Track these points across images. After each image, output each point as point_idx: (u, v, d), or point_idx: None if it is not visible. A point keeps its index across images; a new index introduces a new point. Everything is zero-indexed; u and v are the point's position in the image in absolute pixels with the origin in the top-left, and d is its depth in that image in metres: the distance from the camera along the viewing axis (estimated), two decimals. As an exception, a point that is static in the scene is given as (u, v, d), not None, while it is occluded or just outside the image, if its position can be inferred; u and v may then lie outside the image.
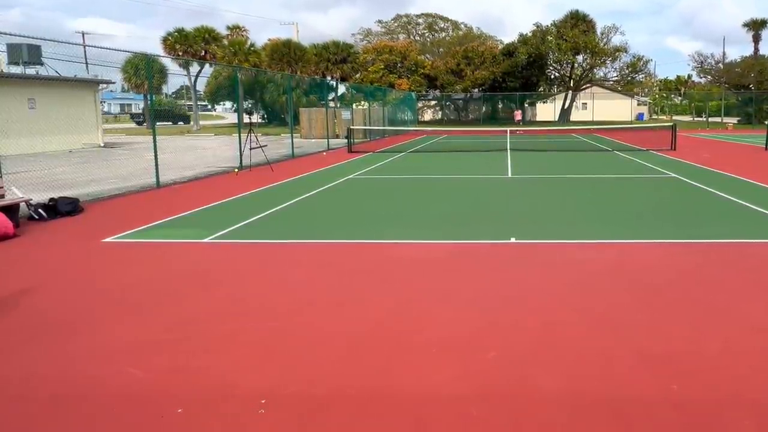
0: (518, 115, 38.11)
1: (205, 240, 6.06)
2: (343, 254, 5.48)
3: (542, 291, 4.29)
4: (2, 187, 7.07)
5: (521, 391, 2.81)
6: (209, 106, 63.05)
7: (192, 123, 39.00)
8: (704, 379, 2.91)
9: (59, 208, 7.42)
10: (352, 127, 20.01)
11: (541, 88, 45.24)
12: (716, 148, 19.67)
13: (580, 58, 43.66)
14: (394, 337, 3.48)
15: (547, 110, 47.52)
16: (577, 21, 42.47)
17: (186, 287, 4.49)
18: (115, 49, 26.85)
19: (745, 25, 46.07)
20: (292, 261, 5.25)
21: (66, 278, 4.80)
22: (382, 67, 41.28)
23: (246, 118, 13.54)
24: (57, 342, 3.47)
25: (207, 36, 36.78)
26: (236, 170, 12.47)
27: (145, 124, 38.47)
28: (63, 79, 19.78)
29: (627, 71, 44.61)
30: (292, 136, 17.67)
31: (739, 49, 60.91)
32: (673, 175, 11.29)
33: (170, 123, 44.44)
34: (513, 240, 5.88)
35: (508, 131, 24.08)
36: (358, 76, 41.32)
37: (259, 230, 6.61)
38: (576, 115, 45.27)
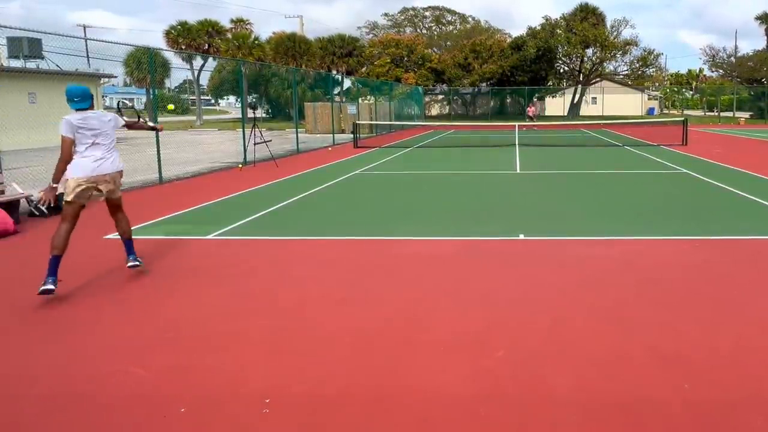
0: (531, 110, 35.28)
1: (210, 236, 6.02)
2: (349, 251, 5.42)
3: (551, 288, 4.21)
4: (2, 183, 7.05)
5: (530, 390, 2.75)
6: (213, 101, 63.02)
7: (195, 118, 39.06)
8: (716, 378, 2.86)
9: (60, 205, 7.38)
10: (357, 122, 19.90)
11: (550, 83, 44.87)
12: (728, 143, 19.41)
13: (589, 51, 43.25)
14: (401, 335, 3.43)
15: (556, 105, 47.13)
16: (587, 14, 42.05)
17: (189, 284, 4.45)
18: (117, 43, 26.90)
19: (758, 18, 45.31)
20: (298, 258, 5.20)
21: (67, 276, 4.76)
22: (389, 60, 41.07)
23: (250, 113, 13.44)
24: (57, 340, 3.44)
25: (210, 29, 36.72)
26: (240, 166, 12.44)
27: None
28: (64, 73, 19.76)
29: (637, 65, 44.15)
30: (297, 130, 17.58)
31: (751, 43, 60.33)
32: (684, 170, 11.13)
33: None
34: (521, 236, 5.80)
35: (517, 126, 23.85)
36: (364, 70, 41.15)
37: (264, 227, 6.56)
38: (586, 110, 44.87)
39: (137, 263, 4.62)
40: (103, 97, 26.65)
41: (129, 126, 5.02)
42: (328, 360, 3.10)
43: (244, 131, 13.24)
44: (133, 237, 4.74)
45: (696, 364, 3.00)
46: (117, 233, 4.78)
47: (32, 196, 7.38)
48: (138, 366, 3.04)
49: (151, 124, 5.62)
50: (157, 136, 10.23)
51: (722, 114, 41.74)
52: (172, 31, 36.42)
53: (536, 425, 2.46)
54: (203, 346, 3.29)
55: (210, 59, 37.85)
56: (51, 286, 3.95)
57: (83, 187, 4.27)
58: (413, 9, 52.73)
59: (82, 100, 4.32)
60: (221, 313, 3.80)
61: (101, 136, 4.36)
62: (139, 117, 5.49)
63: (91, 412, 2.62)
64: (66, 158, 4.17)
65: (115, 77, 27.78)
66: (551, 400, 2.65)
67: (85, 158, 4.27)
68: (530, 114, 33.97)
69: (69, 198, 4.26)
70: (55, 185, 4.17)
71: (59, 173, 4.18)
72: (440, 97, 47.66)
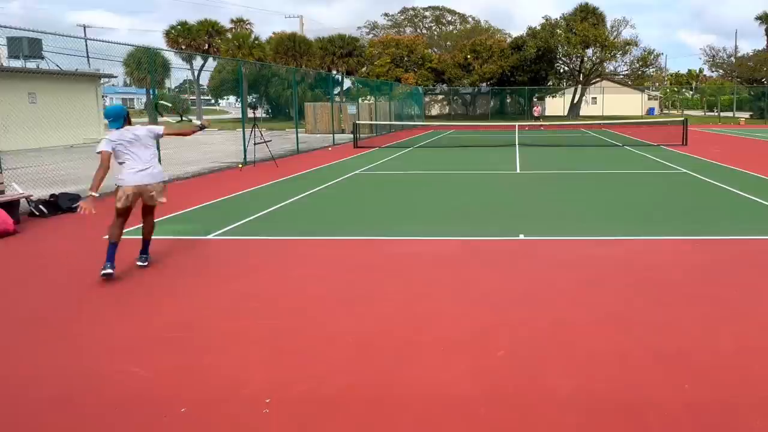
0: (537, 110, 35.03)
1: (210, 236, 6.02)
2: (350, 251, 5.42)
3: (552, 288, 4.21)
4: (2, 183, 7.05)
5: (531, 390, 2.75)
6: (213, 101, 62.99)
7: (195, 118, 39.06)
8: (717, 379, 2.85)
9: (60, 204, 7.40)
10: (357, 122, 19.89)
11: (551, 83, 44.87)
12: (728, 143, 19.42)
13: (589, 51, 43.24)
14: (401, 335, 3.43)
15: (556, 105, 47.13)
16: (587, 14, 42.03)
17: (189, 284, 4.45)
18: (117, 43, 26.86)
19: (758, 18, 45.29)
20: (298, 258, 5.20)
21: (67, 275, 4.77)
22: (389, 60, 41.08)
23: (250, 113, 13.44)
24: (57, 340, 3.44)
25: (210, 29, 36.76)
26: (240, 166, 12.43)
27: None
28: (64, 73, 19.71)
29: (637, 65, 44.18)
30: (297, 130, 17.58)
31: (751, 43, 60.43)
32: (684, 170, 11.12)
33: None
34: (521, 236, 5.79)
35: (517, 126, 23.85)
36: (364, 70, 41.15)
37: (264, 227, 6.56)
38: (586, 110, 44.87)
39: (143, 264, 4.92)
40: (103, 96, 26.61)
41: (174, 134, 5.32)
42: (329, 360, 3.10)
43: (244, 131, 13.24)
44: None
45: (697, 365, 3.00)
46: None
47: (32, 196, 7.38)
48: (138, 366, 3.03)
49: (197, 122, 5.83)
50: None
51: (722, 114, 41.73)
52: (172, 31, 36.44)
53: (536, 425, 2.46)
54: (203, 346, 3.29)
55: (210, 59, 37.85)
56: (110, 270, 4.40)
57: (129, 195, 4.66)
58: (413, 9, 52.78)
59: (114, 120, 4.64)
60: (221, 313, 3.80)
61: (138, 148, 4.66)
62: (181, 117, 5.81)
63: (91, 412, 2.61)
64: (104, 168, 4.47)
65: (115, 77, 27.73)
66: (551, 400, 2.65)
67: (128, 170, 4.63)
68: (536, 114, 34.14)
69: (118, 205, 4.67)
70: (93, 193, 4.45)
71: (97, 181, 4.45)
72: (440, 97, 47.65)
